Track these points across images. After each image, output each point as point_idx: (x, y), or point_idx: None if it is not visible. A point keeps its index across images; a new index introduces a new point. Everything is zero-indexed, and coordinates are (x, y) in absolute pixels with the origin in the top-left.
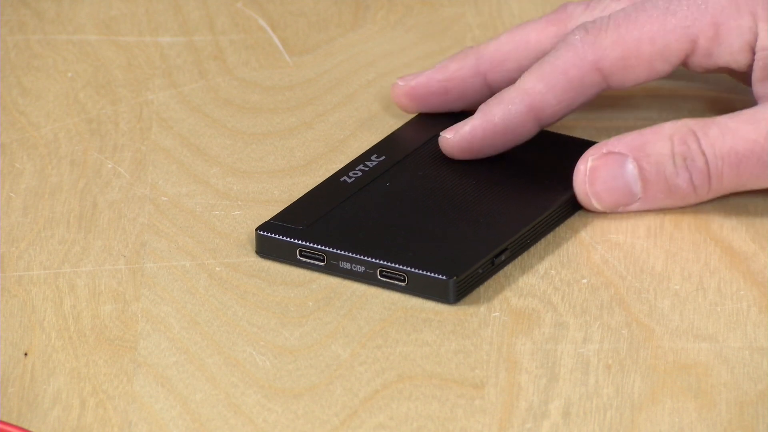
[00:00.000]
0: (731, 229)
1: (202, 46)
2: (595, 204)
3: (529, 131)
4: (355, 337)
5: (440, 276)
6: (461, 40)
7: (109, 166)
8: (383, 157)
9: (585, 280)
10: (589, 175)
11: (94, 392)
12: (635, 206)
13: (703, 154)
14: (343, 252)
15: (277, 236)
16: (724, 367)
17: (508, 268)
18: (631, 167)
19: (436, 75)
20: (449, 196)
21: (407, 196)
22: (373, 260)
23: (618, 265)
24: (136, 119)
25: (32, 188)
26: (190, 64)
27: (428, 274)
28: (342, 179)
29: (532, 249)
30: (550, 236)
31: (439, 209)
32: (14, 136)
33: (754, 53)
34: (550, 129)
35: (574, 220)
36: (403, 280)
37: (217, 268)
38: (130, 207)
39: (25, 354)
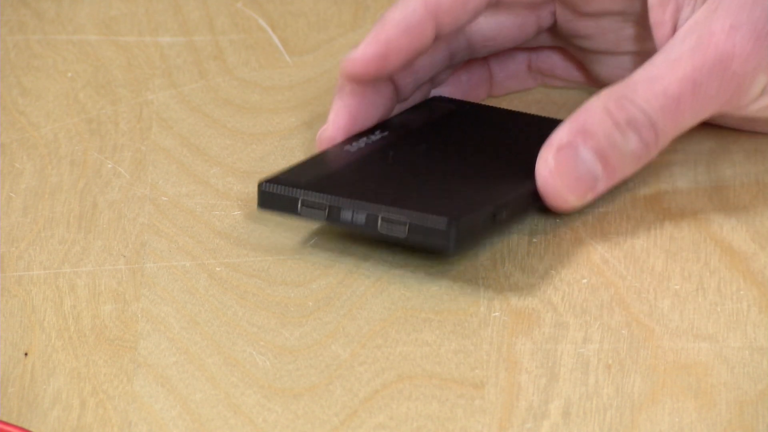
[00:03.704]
0: (731, 229)
1: (202, 46)
2: (570, 199)
3: (427, 37)
4: (355, 337)
5: (441, 218)
6: None
7: (109, 166)
8: (386, 133)
9: (585, 280)
10: (556, 173)
11: (94, 392)
12: (600, 187)
13: (642, 110)
14: (344, 200)
15: (279, 188)
16: (724, 367)
17: (509, 269)
18: (584, 151)
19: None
20: (450, 163)
21: (409, 163)
22: (375, 207)
23: (618, 265)
24: (136, 119)
25: (32, 188)
26: (190, 64)
27: (429, 218)
28: (345, 148)
29: (532, 249)
30: (550, 236)
31: (440, 172)
32: (14, 136)
33: None
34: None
35: (575, 220)
36: (404, 225)
37: (217, 268)
38: (130, 207)
39: (25, 354)
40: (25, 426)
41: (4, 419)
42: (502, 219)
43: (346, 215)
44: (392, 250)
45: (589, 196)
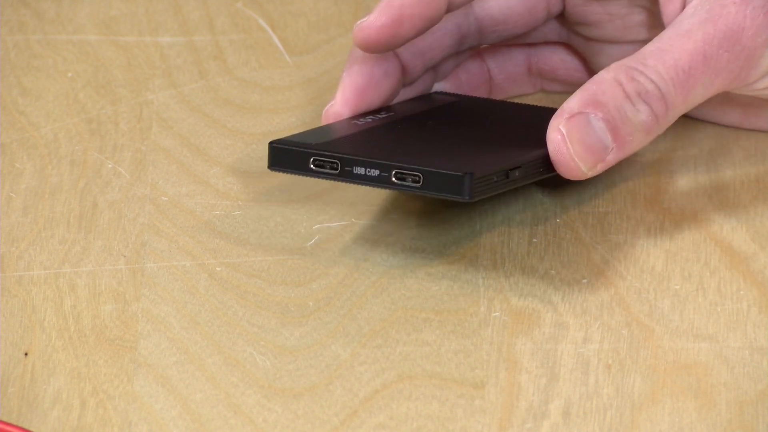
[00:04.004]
0: (731, 229)
1: (202, 46)
2: (581, 166)
3: (440, 4)
4: (355, 337)
5: (456, 172)
6: None
7: (109, 166)
8: (392, 113)
9: (585, 280)
10: (568, 140)
11: (94, 392)
12: (610, 158)
13: (652, 81)
14: (357, 157)
15: (291, 146)
16: (724, 367)
17: (509, 269)
18: (596, 121)
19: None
20: (460, 134)
21: (418, 132)
22: (388, 162)
23: (618, 265)
24: (136, 119)
25: (32, 188)
26: (190, 64)
27: (444, 170)
28: (352, 122)
29: (532, 249)
30: (550, 236)
31: (450, 139)
32: (14, 136)
33: None
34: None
35: (575, 220)
36: (418, 181)
37: (217, 268)
38: (130, 207)
39: (26, 354)
40: (25, 426)
41: (4, 419)
42: (516, 177)
43: (359, 170)
44: (392, 250)
45: (600, 167)
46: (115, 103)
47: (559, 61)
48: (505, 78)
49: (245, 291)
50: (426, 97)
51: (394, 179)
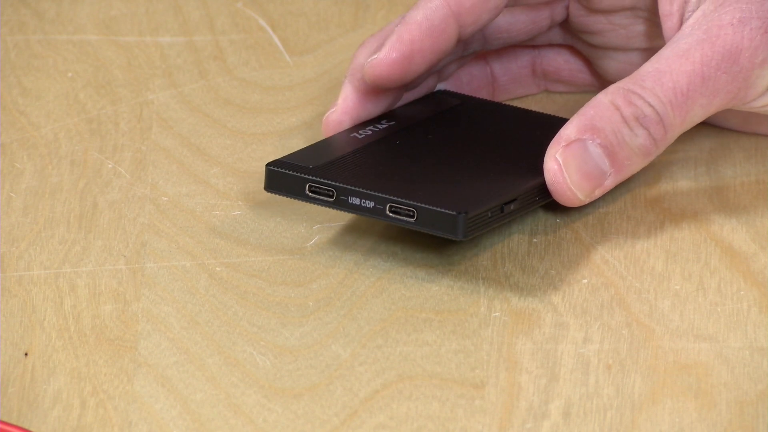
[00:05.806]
0: (731, 229)
1: (202, 46)
2: (578, 194)
3: (450, 37)
4: (355, 337)
5: (450, 211)
6: None
7: (110, 166)
8: (393, 122)
9: (585, 280)
10: (564, 169)
11: (94, 392)
12: (608, 183)
13: (650, 105)
14: (352, 187)
15: (287, 171)
16: (724, 367)
17: (509, 269)
18: (593, 147)
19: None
20: (459, 154)
21: (417, 152)
22: (383, 195)
23: (618, 265)
24: (136, 119)
25: (32, 188)
26: (190, 64)
27: (438, 208)
28: (352, 135)
29: (532, 249)
30: (550, 236)
31: (448, 163)
32: (14, 136)
33: None
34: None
35: (575, 220)
36: (412, 216)
37: (217, 268)
38: (131, 207)
39: (26, 354)
40: (25, 426)
41: (4, 419)
42: (510, 211)
43: (354, 200)
44: (392, 250)
45: (598, 192)
46: (115, 103)
47: (563, 62)
48: (510, 79)
49: (245, 291)
50: (429, 99)
51: (388, 212)
